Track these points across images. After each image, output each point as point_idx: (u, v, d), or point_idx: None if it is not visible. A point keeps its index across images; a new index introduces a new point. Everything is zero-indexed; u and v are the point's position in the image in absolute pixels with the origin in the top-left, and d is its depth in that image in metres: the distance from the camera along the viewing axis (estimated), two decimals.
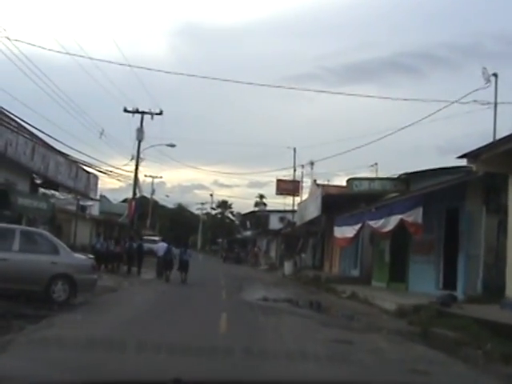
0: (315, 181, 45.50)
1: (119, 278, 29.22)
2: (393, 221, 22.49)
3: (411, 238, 25.82)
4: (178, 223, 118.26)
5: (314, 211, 38.26)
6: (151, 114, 45.97)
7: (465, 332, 13.94)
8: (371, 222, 25.10)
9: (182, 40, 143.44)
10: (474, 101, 23.72)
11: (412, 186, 26.18)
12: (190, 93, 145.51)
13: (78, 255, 18.24)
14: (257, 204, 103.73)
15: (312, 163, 48.75)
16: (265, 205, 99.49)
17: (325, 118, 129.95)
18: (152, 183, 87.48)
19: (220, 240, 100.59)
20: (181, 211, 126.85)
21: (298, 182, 54.30)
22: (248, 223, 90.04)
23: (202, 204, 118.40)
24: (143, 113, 45.89)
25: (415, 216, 20.70)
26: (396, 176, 26.77)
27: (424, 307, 18.25)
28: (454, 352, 12.31)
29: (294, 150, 51.18)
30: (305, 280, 37.05)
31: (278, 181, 57.25)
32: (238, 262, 71.20)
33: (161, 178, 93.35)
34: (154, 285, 28.42)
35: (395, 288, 26.89)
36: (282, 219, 70.24)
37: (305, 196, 50.73)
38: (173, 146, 49.09)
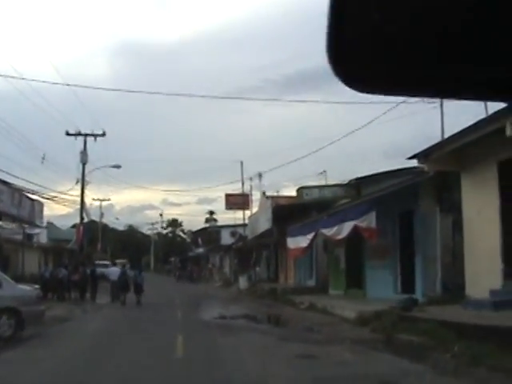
0: (264, 193, 45.03)
1: (71, 306, 28.07)
2: (346, 227, 22.00)
3: (366, 243, 25.43)
4: (130, 245, 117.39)
5: (265, 223, 37.67)
6: (94, 135, 45.00)
7: (430, 336, 13.43)
8: (324, 230, 24.59)
9: (121, 59, 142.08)
10: (422, 100, 23.33)
11: (363, 190, 25.81)
12: (132, 112, 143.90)
13: (22, 286, 17.12)
14: (207, 220, 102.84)
15: (260, 175, 48.23)
16: (215, 220, 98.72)
17: (271, 130, 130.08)
18: (100, 206, 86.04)
19: (172, 259, 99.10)
20: (132, 233, 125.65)
21: (247, 195, 53.65)
22: (200, 240, 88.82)
23: (153, 224, 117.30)
24: (86, 135, 44.85)
25: (369, 221, 20.24)
26: (346, 182, 26.39)
27: (385, 313, 17.75)
28: (422, 358, 11.77)
29: (241, 163, 50.64)
30: (261, 293, 36.35)
31: (227, 195, 56.50)
32: (192, 281, 70.08)
33: (109, 200, 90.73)
34: (108, 310, 27.39)
35: (353, 295, 26.42)
36: (233, 234, 69.39)
37: (255, 209, 50.18)
38: (118, 167, 47.99)
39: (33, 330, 16.15)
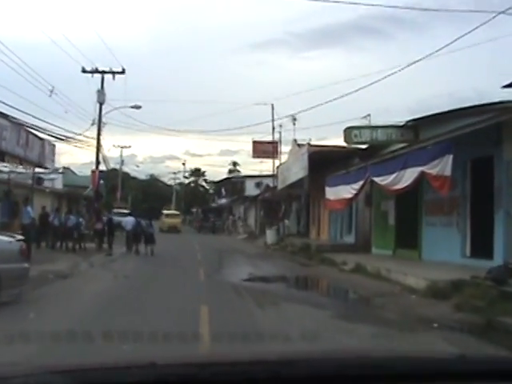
0: (295, 140, 40.72)
1: (78, 258, 24.42)
2: (409, 175, 17.84)
3: (424, 195, 21.38)
4: (151, 195, 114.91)
5: (298, 172, 33.57)
6: (112, 73, 40.94)
7: None
8: (378, 179, 20.46)
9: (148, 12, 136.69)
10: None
11: (422, 134, 21.60)
12: (155, 54, 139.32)
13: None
14: (230, 171, 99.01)
15: (294, 118, 43.86)
16: (238, 172, 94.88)
17: (300, 79, 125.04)
18: (121, 153, 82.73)
19: (194, 210, 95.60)
20: (153, 182, 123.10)
21: (276, 142, 49.32)
22: (223, 190, 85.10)
23: (175, 173, 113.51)
24: (103, 72, 40.86)
25: (441, 167, 16.03)
26: (402, 123, 22.12)
27: (467, 284, 13.76)
28: None
29: (272, 106, 46.12)
30: (292, 249, 32.49)
31: (255, 143, 52.23)
32: (214, 232, 66.89)
33: (129, 147, 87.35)
34: (119, 264, 23.77)
35: (404, 256, 22.44)
36: (258, 185, 65.52)
37: (284, 158, 45.94)
38: (138, 107, 43.87)
39: (17, 290, 12.25)
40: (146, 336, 7.95)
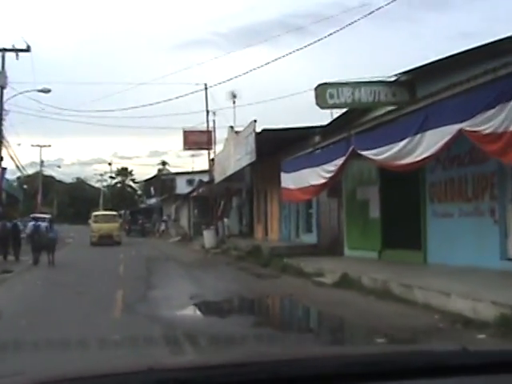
0: (232, 127, 34.08)
1: None
2: (433, 139, 11.33)
3: (425, 176, 15.22)
4: (78, 198, 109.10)
5: (241, 159, 26.90)
6: (15, 50, 33.54)
7: None
8: (369, 153, 13.98)
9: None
10: None
11: (420, 91, 15.39)
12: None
13: None
14: (160, 171, 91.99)
15: (234, 95, 37.22)
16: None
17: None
18: (40, 152, 75.55)
19: (122, 212, 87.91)
20: (80, 186, 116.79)
21: (210, 132, 42.53)
22: (152, 190, 77.63)
23: (102, 175, 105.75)
24: (4, 50, 33.56)
25: (501, 120, 9.69)
26: (392, 78, 15.80)
27: None
28: None
29: (205, 86, 39.12)
30: (238, 254, 25.90)
31: (186, 133, 45.17)
32: (144, 235, 59.80)
33: (49, 146, 79.15)
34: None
35: (398, 259, 16.27)
36: (190, 182, 58.70)
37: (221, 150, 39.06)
38: (47, 91, 36.28)
39: None
40: None
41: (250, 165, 27.92)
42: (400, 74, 15.82)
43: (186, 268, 22.13)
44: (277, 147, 24.12)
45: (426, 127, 11.60)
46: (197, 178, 55.18)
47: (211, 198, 38.70)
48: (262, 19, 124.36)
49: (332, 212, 22.44)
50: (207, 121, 39.05)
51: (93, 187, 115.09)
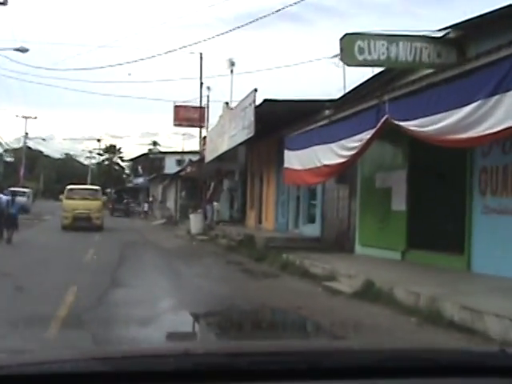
0: (227, 104, 30.42)
1: None
2: None
3: (475, 159, 11.73)
4: (66, 175, 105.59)
5: (237, 135, 23.23)
6: None
7: None
8: (411, 124, 10.38)
9: None
10: None
11: (469, 51, 11.83)
12: None
13: None
14: (150, 151, 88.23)
15: (232, 64, 33.53)
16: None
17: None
18: (25, 125, 71.90)
19: (109, 190, 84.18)
20: (69, 162, 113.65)
21: (203, 108, 38.85)
22: (140, 169, 73.84)
23: (90, 152, 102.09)
24: None
25: None
26: (438, 34, 12.17)
27: None
28: None
29: (201, 55, 35.35)
30: (228, 243, 22.37)
31: (177, 107, 41.64)
32: (128, 215, 56.42)
33: (35, 118, 75.13)
34: None
35: (429, 262, 12.82)
36: (180, 162, 55.07)
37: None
38: (24, 50, 32.44)
39: None
40: None
41: (247, 142, 24.34)
42: (448, 27, 12.21)
43: (166, 258, 18.54)
44: (279, 122, 20.53)
45: (509, 85, 8.04)
46: (187, 158, 51.70)
47: (200, 179, 35.08)
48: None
49: (341, 201, 18.90)
50: (200, 94, 35.40)
51: (82, 164, 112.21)
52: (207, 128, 36.92)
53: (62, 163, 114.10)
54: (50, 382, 1.76)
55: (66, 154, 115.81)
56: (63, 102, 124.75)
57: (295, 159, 16.40)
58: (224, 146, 26.79)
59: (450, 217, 12.85)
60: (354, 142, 12.56)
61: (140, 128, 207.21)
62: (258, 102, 20.14)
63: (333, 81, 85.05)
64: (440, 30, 12.46)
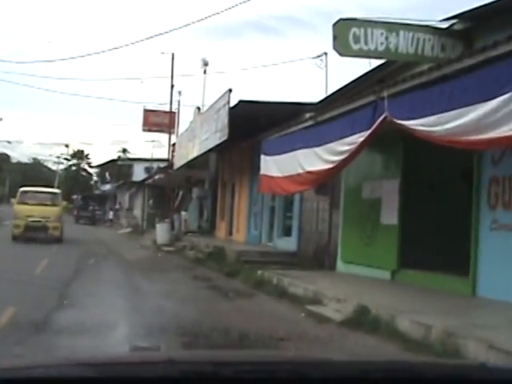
0: (199, 108, 28.68)
1: None
2: None
3: (483, 168, 10.19)
4: (33, 179, 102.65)
5: (210, 138, 21.42)
6: None
7: None
8: (417, 123, 8.72)
9: None
10: None
11: (477, 45, 10.28)
12: None
13: None
14: (119, 158, 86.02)
15: (206, 64, 31.82)
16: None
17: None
18: None
19: (75, 197, 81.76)
20: (37, 167, 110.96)
21: (174, 113, 37.07)
22: (107, 175, 71.53)
23: (58, 157, 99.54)
24: None
25: None
26: (442, 25, 10.55)
27: None
28: None
29: (172, 55, 33.50)
30: (196, 255, 20.54)
31: (146, 111, 39.82)
32: (94, 223, 54.29)
33: (1, 119, 72.15)
34: None
35: (424, 284, 11.23)
36: (149, 170, 53.04)
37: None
38: None
39: None
40: None
41: (218, 149, 22.69)
42: (454, 17, 10.65)
43: (127, 272, 16.63)
44: (255, 126, 18.82)
45: None
46: (156, 165, 49.79)
47: (169, 187, 33.21)
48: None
49: (321, 212, 17.25)
50: (171, 98, 33.54)
51: (50, 169, 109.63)
52: (177, 134, 35.12)
53: (30, 168, 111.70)
54: None
55: (34, 159, 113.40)
56: (32, 103, 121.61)
57: (273, 165, 14.67)
58: (194, 152, 25.01)
59: (450, 233, 11.27)
60: (345, 146, 10.90)
61: (110, 135, 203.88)
62: (232, 104, 18.48)
63: (316, 85, 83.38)
64: (445, 20, 10.87)
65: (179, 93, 37.19)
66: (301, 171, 12.75)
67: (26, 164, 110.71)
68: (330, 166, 11.49)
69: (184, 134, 29.15)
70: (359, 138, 10.39)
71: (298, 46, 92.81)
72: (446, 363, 2.46)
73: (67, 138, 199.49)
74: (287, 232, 19.76)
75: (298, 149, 13.21)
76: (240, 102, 17.92)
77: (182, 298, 11.95)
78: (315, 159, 12.10)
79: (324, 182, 13.88)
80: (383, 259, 13.02)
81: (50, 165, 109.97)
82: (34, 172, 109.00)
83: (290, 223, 19.53)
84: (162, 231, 27.60)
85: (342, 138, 11.06)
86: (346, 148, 10.84)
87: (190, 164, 29.21)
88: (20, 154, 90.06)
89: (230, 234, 26.07)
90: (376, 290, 11.15)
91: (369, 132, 10.11)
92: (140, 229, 40.15)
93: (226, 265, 16.96)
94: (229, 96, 18.61)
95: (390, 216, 12.95)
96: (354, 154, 10.77)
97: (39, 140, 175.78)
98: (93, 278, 14.26)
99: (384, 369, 2.00)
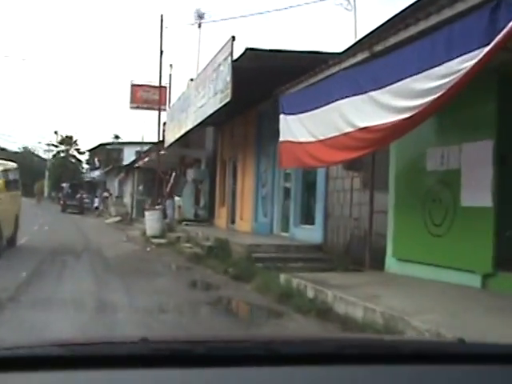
0: (193, 80, 24.32)
1: None
2: None
3: None
4: (24, 168, 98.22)
5: (208, 103, 17.04)
6: None
7: None
8: None
9: None
10: None
11: None
12: None
13: None
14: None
15: (200, 16, 27.52)
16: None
17: None
18: None
19: (64, 184, 77.72)
20: (28, 156, 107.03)
21: (165, 87, 32.62)
22: (96, 161, 67.16)
23: (48, 145, 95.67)
24: None
25: None
26: None
27: None
28: None
29: (161, 18, 28.86)
30: (193, 251, 16.26)
31: (134, 87, 35.47)
32: (82, 212, 50.02)
33: None
34: None
35: None
36: (140, 154, 48.81)
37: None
38: None
39: None
40: None
41: (218, 119, 18.44)
42: None
43: (103, 276, 12.28)
44: (265, 86, 14.43)
45: None
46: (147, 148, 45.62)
47: (159, 170, 28.86)
48: None
49: (356, 193, 13.04)
50: (160, 68, 28.70)
51: (41, 158, 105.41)
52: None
53: (20, 157, 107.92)
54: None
55: (24, 148, 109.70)
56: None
57: (300, 127, 10.39)
58: (189, 123, 20.65)
59: None
60: (432, 81, 6.63)
61: (101, 122, 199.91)
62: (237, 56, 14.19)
63: (341, 34, 75.47)
64: None
65: (170, 66, 32.74)
66: (350, 129, 8.48)
67: (17, 153, 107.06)
68: (404, 115, 7.20)
69: (176, 104, 24.76)
70: (464, 62, 6.11)
71: None
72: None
73: (57, 126, 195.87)
74: (308, 219, 15.52)
75: (339, 98, 8.94)
76: (247, 50, 13.60)
77: (174, 323, 7.69)
78: (374, 109, 7.85)
79: (389, 143, 9.51)
80: (467, 257, 8.80)
81: (40, 153, 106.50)
82: (25, 161, 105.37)
83: (313, 208, 15.29)
84: (151, 220, 23.24)
85: (426, 69, 6.79)
86: (437, 83, 6.56)
87: (184, 141, 24.99)
88: (10, 143, 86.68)
89: (233, 222, 21.86)
90: (481, 309, 6.95)
91: (486, 50, 5.83)
92: (129, 218, 35.89)
93: (233, 263, 12.78)
94: (231, 46, 14.28)
95: (477, 195, 8.70)
96: (453, 91, 6.46)
97: (30, 129, 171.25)
98: (43, 295, 9.69)
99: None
